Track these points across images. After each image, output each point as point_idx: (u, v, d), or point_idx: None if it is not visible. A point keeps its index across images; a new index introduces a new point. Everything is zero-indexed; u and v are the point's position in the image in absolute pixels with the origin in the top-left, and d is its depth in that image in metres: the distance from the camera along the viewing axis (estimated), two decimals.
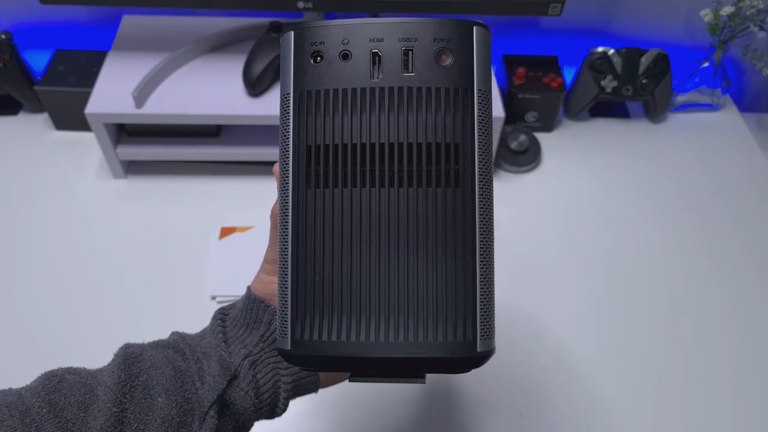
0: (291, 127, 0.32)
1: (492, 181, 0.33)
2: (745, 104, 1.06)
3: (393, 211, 0.31)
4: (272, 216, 0.40)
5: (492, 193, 0.33)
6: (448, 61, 0.32)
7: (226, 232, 0.77)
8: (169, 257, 0.75)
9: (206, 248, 0.76)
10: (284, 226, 0.33)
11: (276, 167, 0.38)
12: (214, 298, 0.72)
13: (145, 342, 0.41)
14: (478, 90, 0.32)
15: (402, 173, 0.31)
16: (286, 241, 0.32)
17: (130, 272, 0.74)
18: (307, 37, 0.32)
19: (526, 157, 0.88)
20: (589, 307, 0.74)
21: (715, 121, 0.97)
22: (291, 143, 0.32)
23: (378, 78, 0.32)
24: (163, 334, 0.71)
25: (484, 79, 0.32)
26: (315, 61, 0.32)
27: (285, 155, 0.33)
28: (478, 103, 0.32)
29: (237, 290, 0.72)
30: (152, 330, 0.68)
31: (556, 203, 0.84)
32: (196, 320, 0.69)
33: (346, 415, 0.63)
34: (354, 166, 0.31)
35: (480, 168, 0.32)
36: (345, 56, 0.32)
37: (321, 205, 0.32)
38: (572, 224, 0.82)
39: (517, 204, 0.84)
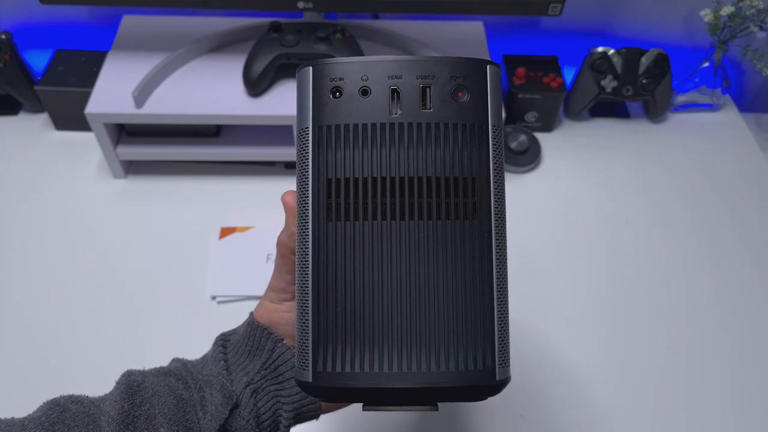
0: (310, 160, 0.33)
1: (505, 212, 0.34)
2: (745, 104, 1.06)
3: (413, 243, 0.32)
4: (279, 245, 0.40)
5: (505, 224, 0.34)
6: (464, 98, 0.33)
7: (226, 232, 0.77)
8: (169, 257, 0.75)
9: (206, 248, 0.76)
10: (303, 258, 0.33)
11: (286, 197, 0.38)
12: (214, 298, 0.72)
13: (146, 368, 0.41)
14: (492, 126, 0.33)
15: (421, 206, 0.32)
16: (306, 274, 0.33)
17: (130, 272, 0.74)
18: (327, 72, 0.33)
19: (526, 157, 0.88)
20: (589, 307, 0.74)
21: (715, 121, 0.97)
22: (311, 176, 0.33)
23: (397, 114, 0.33)
24: (163, 335, 0.72)
25: (496, 115, 0.34)
26: (334, 96, 0.33)
27: (304, 188, 0.33)
28: (493, 138, 0.33)
29: (237, 290, 0.72)
30: (152, 330, 0.69)
31: (556, 203, 0.84)
32: (196, 320, 0.70)
33: (347, 412, 0.63)
34: (374, 200, 0.32)
35: (495, 200, 0.33)
36: (364, 92, 0.33)
37: (342, 238, 0.32)
38: (572, 224, 0.82)
39: (517, 204, 0.84)
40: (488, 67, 0.34)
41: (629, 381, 0.68)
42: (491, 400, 0.64)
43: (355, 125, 0.33)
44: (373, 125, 0.33)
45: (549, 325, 0.72)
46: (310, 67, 0.34)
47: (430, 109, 0.33)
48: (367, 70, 0.33)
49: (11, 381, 0.64)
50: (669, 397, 0.66)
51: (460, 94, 0.33)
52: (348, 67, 0.33)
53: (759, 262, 0.79)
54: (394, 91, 0.33)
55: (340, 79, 0.33)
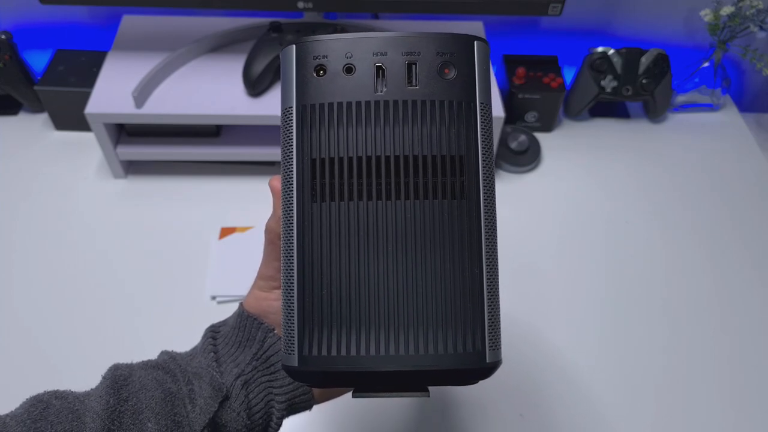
0: (294, 140, 0.32)
1: (494, 191, 0.33)
2: (745, 104, 1.06)
3: (399, 223, 0.31)
4: (267, 231, 0.39)
5: (495, 204, 0.33)
6: (451, 74, 0.32)
7: (226, 232, 0.77)
8: (169, 257, 0.75)
9: (206, 248, 0.76)
10: (288, 240, 0.32)
11: (273, 182, 0.37)
12: (214, 298, 0.72)
13: (134, 362, 0.40)
14: (480, 103, 0.33)
15: (408, 185, 0.31)
16: (291, 256, 0.32)
17: (130, 272, 0.74)
18: (310, 50, 0.32)
19: (526, 157, 0.88)
20: (589, 307, 0.74)
21: (715, 121, 0.97)
22: (294, 156, 0.32)
23: (382, 91, 0.32)
24: (163, 335, 0.71)
25: (485, 92, 0.33)
26: (318, 75, 0.32)
27: (288, 168, 0.32)
28: (481, 115, 0.32)
29: (237, 290, 0.72)
30: (152, 330, 0.69)
31: (555, 203, 0.84)
32: (196, 320, 0.69)
33: (346, 414, 0.63)
34: (359, 179, 0.31)
35: (484, 179, 0.32)
36: (348, 70, 0.32)
37: (327, 219, 0.31)
38: (572, 224, 0.82)
39: (517, 204, 0.84)
40: (476, 42, 0.33)
41: (629, 381, 0.68)
42: (492, 399, 0.65)
43: (340, 104, 0.32)
44: (358, 103, 0.32)
45: (549, 324, 0.71)
46: (293, 46, 0.33)
47: (416, 86, 0.32)
48: (351, 48, 0.32)
49: (11, 381, 0.64)
50: (669, 397, 0.66)
51: (446, 70, 0.32)
52: (332, 45, 0.32)
53: (759, 262, 0.79)
54: (378, 68, 0.32)
55: (323, 56, 0.32)
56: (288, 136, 0.33)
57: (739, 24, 0.87)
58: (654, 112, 0.94)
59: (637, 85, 0.90)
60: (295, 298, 0.32)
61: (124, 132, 0.82)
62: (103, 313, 0.70)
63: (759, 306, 0.74)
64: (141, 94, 0.75)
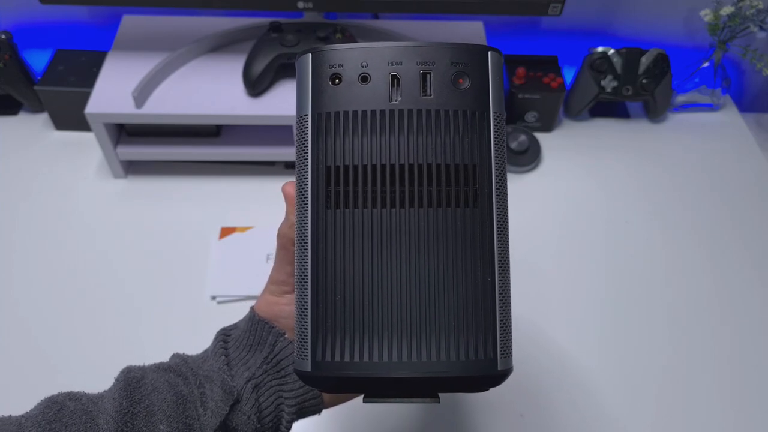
0: (309, 147, 0.33)
1: (507, 200, 0.33)
2: (745, 104, 1.06)
3: (413, 231, 0.32)
4: (280, 236, 0.40)
5: (507, 212, 0.33)
6: (465, 84, 0.33)
7: (226, 232, 0.78)
8: (169, 257, 0.75)
9: (206, 248, 0.76)
10: (302, 247, 0.33)
11: (287, 187, 0.38)
12: (214, 298, 0.72)
13: (146, 364, 0.41)
14: (494, 113, 0.33)
15: (421, 194, 0.32)
16: (305, 262, 0.32)
17: (130, 272, 0.74)
18: (326, 59, 0.33)
19: (526, 157, 0.88)
20: (589, 307, 0.74)
21: (715, 121, 0.97)
22: (309, 164, 0.32)
23: (397, 100, 0.32)
24: (163, 335, 0.72)
25: (498, 101, 0.33)
26: (333, 83, 0.33)
27: (303, 176, 0.33)
28: (494, 125, 0.33)
29: (237, 290, 0.72)
30: (152, 330, 0.69)
31: (555, 203, 0.84)
32: (196, 320, 0.70)
33: (348, 413, 0.63)
34: (374, 187, 0.32)
35: (497, 188, 0.32)
36: (364, 79, 0.32)
37: (341, 226, 0.32)
38: (572, 224, 0.82)
39: (517, 204, 0.83)
40: (489, 53, 0.33)
41: (629, 381, 0.68)
42: (491, 399, 0.65)
43: (355, 112, 0.32)
44: (373, 112, 0.32)
45: (549, 324, 0.71)
46: (309, 54, 0.33)
47: (431, 95, 0.32)
48: (366, 57, 0.32)
49: (11, 381, 0.64)
50: (669, 397, 0.66)
51: (460, 80, 0.32)
52: (347, 54, 0.33)
53: (759, 262, 0.79)
54: (393, 77, 0.32)
55: (339, 65, 0.32)
56: (303, 144, 0.33)
57: (739, 24, 0.87)
58: (654, 112, 0.94)
59: (637, 85, 0.90)
60: (309, 303, 0.32)
61: (124, 132, 0.82)
62: (103, 313, 0.70)
63: (759, 306, 0.74)
64: (141, 94, 0.75)
